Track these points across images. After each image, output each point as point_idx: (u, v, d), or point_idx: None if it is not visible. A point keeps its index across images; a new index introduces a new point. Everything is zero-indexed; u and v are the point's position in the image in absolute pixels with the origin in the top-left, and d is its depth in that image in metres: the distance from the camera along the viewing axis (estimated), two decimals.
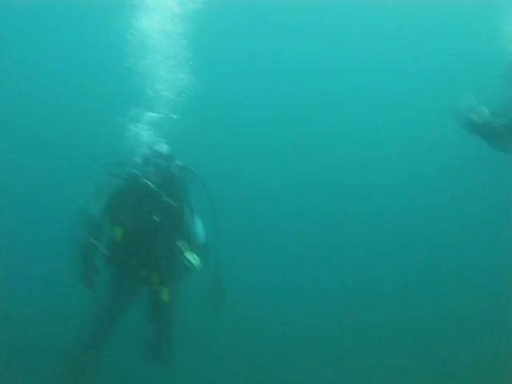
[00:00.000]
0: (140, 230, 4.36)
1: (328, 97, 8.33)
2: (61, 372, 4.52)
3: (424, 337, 7.10)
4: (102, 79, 7.37)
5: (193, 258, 4.36)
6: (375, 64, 8.52)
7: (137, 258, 4.37)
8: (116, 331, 4.54)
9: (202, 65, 5.32)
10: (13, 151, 7.48)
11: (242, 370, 6.12)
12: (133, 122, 4.74)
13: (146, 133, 4.82)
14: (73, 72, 7.68)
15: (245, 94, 8.08)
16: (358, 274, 7.76)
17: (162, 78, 5.42)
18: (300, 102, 8.21)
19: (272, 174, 8.00)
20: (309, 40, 8.17)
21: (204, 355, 5.96)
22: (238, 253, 5.84)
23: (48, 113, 7.68)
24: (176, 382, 5.48)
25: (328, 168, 8.18)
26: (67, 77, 7.67)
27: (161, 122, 5.04)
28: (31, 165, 7.43)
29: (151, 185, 4.28)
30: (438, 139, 8.03)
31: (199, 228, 4.56)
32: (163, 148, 4.47)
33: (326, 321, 7.07)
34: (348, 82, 8.42)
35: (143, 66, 5.40)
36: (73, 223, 4.31)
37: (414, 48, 8.44)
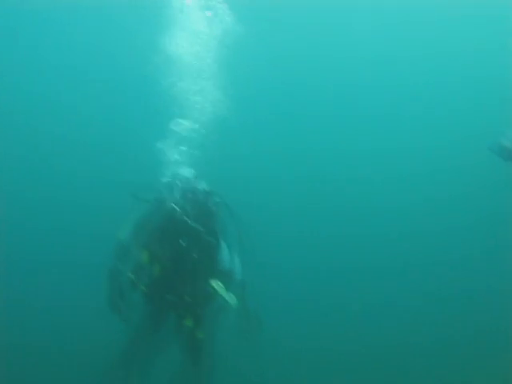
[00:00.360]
0: (177, 266, 4.32)
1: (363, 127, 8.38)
2: None
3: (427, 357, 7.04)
4: (134, 108, 7.47)
5: (228, 295, 4.30)
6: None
7: (173, 294, 4.32)
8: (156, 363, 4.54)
9: (237, 91, 5.35)
10: (51, 184, 7.62)
11: None
12: (168, 151, 4.78)
13: (181, 164, 4.86)
14: (108, 100, 7.78)
15: (277, 122, 8.14)
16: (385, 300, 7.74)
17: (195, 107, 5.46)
18: (332, 131, 8.24)
19: (308, 203, 8.01)
20: (338, 67, 8.23)
21: None
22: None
23: (86, 143, 7.78)
24: None
25: (353, 195, 8.25)
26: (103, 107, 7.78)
27: (195, 151, 5.06)
28: (70, 197, 7.54)
29: (189, 221, 4.25)
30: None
31: (236, 264, 4.47)
32: (200, 184, 4.45)
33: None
34: (376, 112, 8.57)
35: (178, 92, 5.47)
36: (110, 256, 4.33)
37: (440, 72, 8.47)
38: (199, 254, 4.31)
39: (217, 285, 4.28)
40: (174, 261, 4.31)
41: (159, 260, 4.30)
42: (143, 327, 4.51)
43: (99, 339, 5.32)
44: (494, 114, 7.95)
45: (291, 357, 6.59)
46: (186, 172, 4.49)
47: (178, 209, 4.24)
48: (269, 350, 4.89)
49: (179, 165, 4.65)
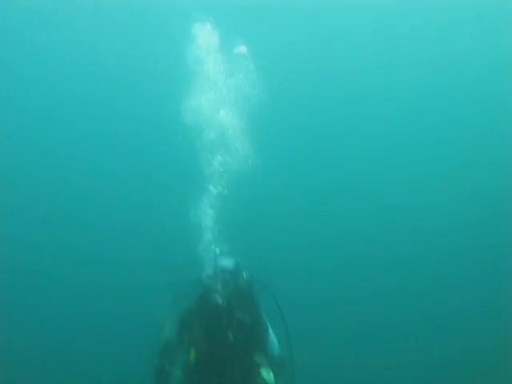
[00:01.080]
0: (214, 349, 4.22)
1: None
2: None
3: None
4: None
5: (268, 375, 4.19)
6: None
7: (212, 379, 4.22)
8: None
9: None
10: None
11: None
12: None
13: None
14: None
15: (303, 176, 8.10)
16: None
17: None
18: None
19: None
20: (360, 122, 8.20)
21: None
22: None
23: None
24: None
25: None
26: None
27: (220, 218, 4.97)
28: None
29: (220, 302, 4.17)
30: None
31: (273, 342, 4.41)
32: (228, 262, 4.39)
33: None
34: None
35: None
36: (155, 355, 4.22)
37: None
38: (235, 335, 4.22)
39: (267, 375, 4.19)
40: (223, 355, 4.21)
41: (195, 345, 4.22)
42: None
43: None
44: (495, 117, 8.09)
45: None
46: (227, 262, 4.40)
47: (222, 302, 4.16)
48: None
49: (219, 255, 4.56)
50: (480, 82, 8.49)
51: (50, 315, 7.34)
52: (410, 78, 8.72)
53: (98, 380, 4.97)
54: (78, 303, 7.38)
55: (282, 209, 7.97)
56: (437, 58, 8.79)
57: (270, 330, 4.39)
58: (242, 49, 5.99)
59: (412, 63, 8.83)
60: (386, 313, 7.95)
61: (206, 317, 4.21)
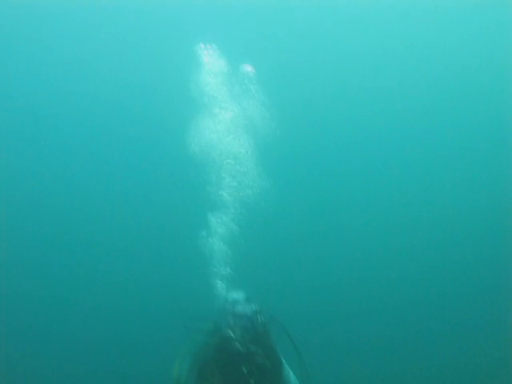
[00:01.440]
0: None
1: None
2: None
3: None
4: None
5: None
6: None
7: None
8: None
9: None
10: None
11: None
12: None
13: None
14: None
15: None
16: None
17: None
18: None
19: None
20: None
21: None
22: None
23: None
24: None
25: None
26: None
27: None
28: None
29: (240, 348, 4.01)
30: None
31: (294, 382, 4.27)
32: (245, 307, 4.24)
33: None
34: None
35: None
36: None
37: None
38: (257, 379, 4.02)
39: None
40: None
41: None
42: None
43: None
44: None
45: None
46: (243, 307, 4.25)
47: (241, 349, 3.99)
48: None
49: (229, 289, 4.46)
50: (480, 87, 8.45)
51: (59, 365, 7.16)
52: (416, 97, 8.68)
53: None
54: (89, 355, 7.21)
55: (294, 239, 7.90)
56: (436, 63, 8.75)
57: (291, 373, 4.26)
58: (250, 70, 5.91)
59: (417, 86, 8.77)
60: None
61: (226, 365, 4.05)
